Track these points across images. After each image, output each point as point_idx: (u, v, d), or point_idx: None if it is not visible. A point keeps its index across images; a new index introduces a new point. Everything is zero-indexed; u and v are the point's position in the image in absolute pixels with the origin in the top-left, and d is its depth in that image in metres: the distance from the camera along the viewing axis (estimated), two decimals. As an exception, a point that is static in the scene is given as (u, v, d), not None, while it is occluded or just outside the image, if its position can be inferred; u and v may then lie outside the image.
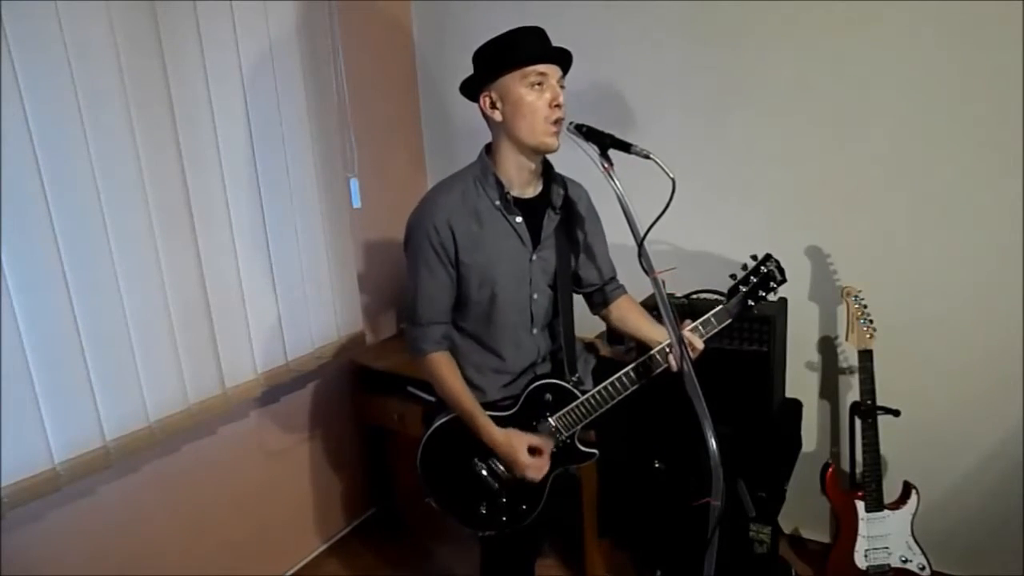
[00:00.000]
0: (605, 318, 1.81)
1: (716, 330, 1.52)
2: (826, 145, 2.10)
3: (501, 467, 1.59)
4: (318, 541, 2.62)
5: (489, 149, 1.58)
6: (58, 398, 1.69)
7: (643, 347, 1.63)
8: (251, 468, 2.31)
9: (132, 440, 1.85)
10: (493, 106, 1.48)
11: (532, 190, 1.58)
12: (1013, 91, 1.84)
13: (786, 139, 2.15)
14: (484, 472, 1.59)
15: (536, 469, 1.53)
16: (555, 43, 1.50)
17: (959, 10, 1.85)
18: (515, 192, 1.55)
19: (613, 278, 1.79)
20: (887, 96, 1.99)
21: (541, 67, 1.44)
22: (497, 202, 1.53)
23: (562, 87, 1.49)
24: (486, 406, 1.58)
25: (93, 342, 1.75)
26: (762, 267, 1.48)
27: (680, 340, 1.34)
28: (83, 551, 1.84)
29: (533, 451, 1.54)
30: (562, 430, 1.58)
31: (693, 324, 1.52)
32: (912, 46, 1.93)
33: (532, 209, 1.57)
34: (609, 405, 1.56)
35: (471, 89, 1.53)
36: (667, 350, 1.52)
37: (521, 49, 1.45)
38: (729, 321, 1.51)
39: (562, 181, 1.64)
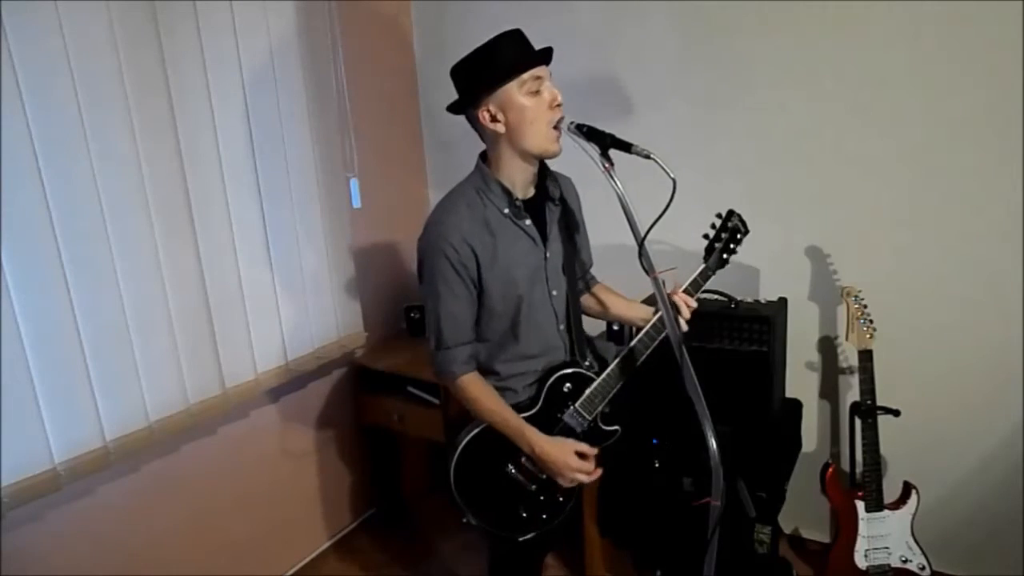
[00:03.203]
0: (583, 305, 1.82)
1: (703, 287, 1.63)
2: (827, 145, 2.10)
3: (533, 466, 1.58)
4: (318, 541, 2.62)
5: (484, 157, 1.57)
6: (58, 398, 1.69)
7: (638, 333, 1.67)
8: (251, 468, 2.31)
9: (132, 440, 1.85)
10: (494, 119, 1.47)
11: (531, 190, 1.59)
12: (1014, 91, 1.84)
13: (787, 139, 2.15)
14: (519, 475, 1.59)
15: (583, 471, 1.54)
16: (554, 41, 1.50)
17: (960, 9, 1.85)
18: (519, 195, 1.55)
19: (591, 267, 1.84)
20: (888, 96, 1.99)
21: (536, 71, 1.44)
22: (506, 210, 1.52)
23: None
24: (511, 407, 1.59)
25: (93, 342, 1.75)
26: (728, 223, 1.61)
27: (680, 342, 1.34)
28: (83, 551, 1.84)
29: (580, 456, 1.55)
30: (586, 415, 1.59)
31: (684, 286, 1.61)
32: (914, 45, 1.93)
33: (535, 208, 1.58)
34: (623, 381, 1.60)
35: (461, 105, 1.52)
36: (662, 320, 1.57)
37: (512, 57, 1.44)
38: (712, 276, 1.64)
39: (552, 173, 1.65)
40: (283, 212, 2.26)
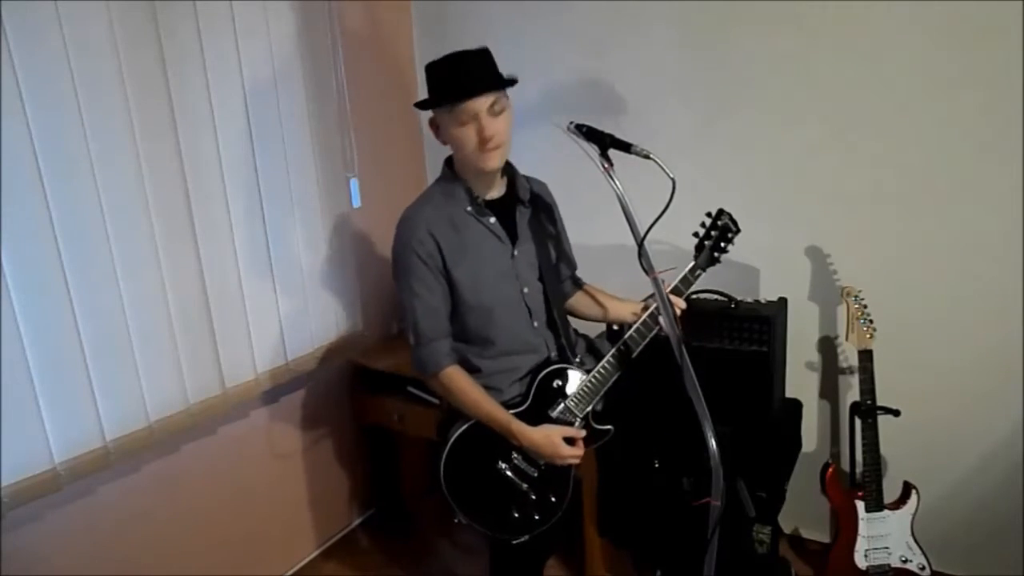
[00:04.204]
0: (572, 307, 1.83)
1: (693, 286, 1.63)
2: (827, 145, 2.10)
3: (525, 463, 1.59)
4: (318, 541, 2.62)
5: (450, 161, 1.61)
6: (58, 398, 1.69)
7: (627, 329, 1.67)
8: (251, 468, 2.31)
9: (132, 440, 1.85)
10: (437, 131, 1.53)
11: (497, 191, 1.62)
12: (1014, 91, 1.84)
13: (787, 139, 2.15)
14: (510, 473, 1.59)
15: (576, 456, 1.57)
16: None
17: (960, 9, 1.84)
18: (482, 195, 1.58)
19: (576, 269, 1.85)
20: (888, 95, 1.99)
21: (469, 105, 1.42)
22: (468, 207, 1.55)
23: (500, 111, 1.45)
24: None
25: (93, 342, 1.75)
26: (718, 221, 1.61)
27: (680, 341, 1.35)
28: (83, 551, 1.84)
29: (568, 441, 1.57)
30: (576, 412, 1.60)
31: (673, 284, 1.60)
32: (913, 44, 1.93)
33: (503, 208, 1.61)
34: (614, 378, 1.60)
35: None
36: (656, 313, 1.58)
37: (448, 88, 1.45)
38: (701, 274, 1.63)
39: (523, 177, 1.66)
40: (283, 212, 2.26)
